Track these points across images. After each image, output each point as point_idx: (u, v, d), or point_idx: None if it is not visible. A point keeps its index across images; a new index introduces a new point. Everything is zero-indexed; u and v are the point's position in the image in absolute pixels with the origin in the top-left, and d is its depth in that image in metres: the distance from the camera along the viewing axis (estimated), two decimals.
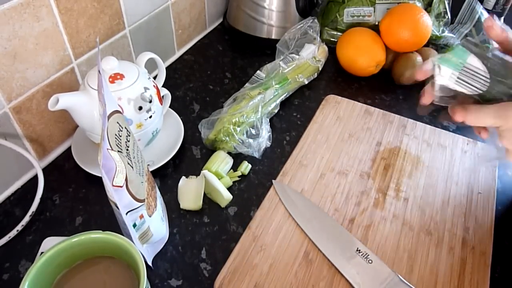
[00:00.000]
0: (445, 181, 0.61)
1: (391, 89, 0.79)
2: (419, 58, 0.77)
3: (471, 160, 0.64)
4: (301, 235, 0.53)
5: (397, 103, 0.76)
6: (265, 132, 0.65)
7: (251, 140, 0.64)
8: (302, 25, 0.81)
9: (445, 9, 0.84)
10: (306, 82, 0.77)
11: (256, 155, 0.64)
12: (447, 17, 0.85)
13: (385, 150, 0.65)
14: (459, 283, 0.49)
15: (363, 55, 0.77)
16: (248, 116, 0.65)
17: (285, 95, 0.73)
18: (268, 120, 0.68)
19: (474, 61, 0.42)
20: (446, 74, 0.43)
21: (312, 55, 0.79)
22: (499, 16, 0.92)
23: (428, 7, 0.85)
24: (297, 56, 0.78)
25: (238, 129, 0.63)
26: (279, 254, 0.51)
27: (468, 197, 0.59)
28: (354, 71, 0.80)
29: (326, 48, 0.84)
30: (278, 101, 0.71)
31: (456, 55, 0.42)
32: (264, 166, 0.64)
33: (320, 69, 0.80)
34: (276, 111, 0.71)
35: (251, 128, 0.66)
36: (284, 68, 0.75)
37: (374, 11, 0.84)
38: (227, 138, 0.62)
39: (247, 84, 0.74)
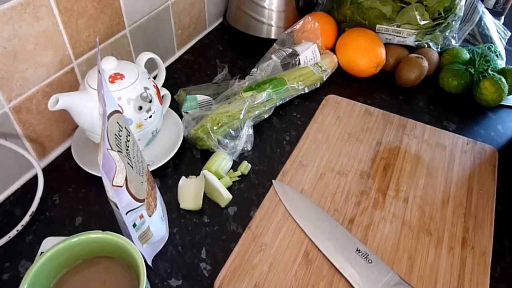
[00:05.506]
0: (445, 181, 0.61)
1: (391, 89, 0.79)
2: (424, 61, 0.76)
3: (471, 160, 0.64)
4: (301, 235, 0.53)
5: (397, 103, 0.76)
6: (245, 135, 0.64)
7: (227, 141, 0.63)
8: (300, 24, 0.80)
9: None
10: (307, 91, 0.75)
11: (233, 157, 0.63)
12: None
13: (385, 150, 0.65)
14: (459, 283, 0.49)
15: (363, 56, 0.77)
16: (232, 117, 0.64)
17: (279, 101, 0.71)
18: (251, 124, 0.66)
19: None
20: None
21: (312, 52, 0.77)
22: (499, 15, 0.92)
23: None
24: (290, 50, 0.76)
25: (217, 128, 0.63)
26: (279, 254, 0.51)
27: (468, 197, 0.59)
28: (354, 72, 0.80)
29: (336, 59, 0.80)
30: (269, 106, 0.68)
31: None
32: (264, 166, 0.64)
33: (324, 79, 0.77)
34: (266, 116, 0.69)
35: (232, 130, 0.64)
36: (277, 61, 0.74)
37: None
38: (205, 136, 0.62)
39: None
